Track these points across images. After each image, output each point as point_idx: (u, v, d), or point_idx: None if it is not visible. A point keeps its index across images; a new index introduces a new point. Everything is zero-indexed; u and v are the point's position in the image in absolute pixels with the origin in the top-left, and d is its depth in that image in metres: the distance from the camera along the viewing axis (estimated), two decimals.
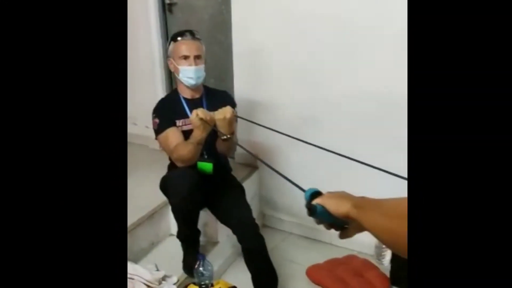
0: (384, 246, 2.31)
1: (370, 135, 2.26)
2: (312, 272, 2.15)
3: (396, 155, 2.18)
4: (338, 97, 2.30)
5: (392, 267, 2.16)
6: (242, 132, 2.29)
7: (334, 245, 2.52)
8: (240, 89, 2.60)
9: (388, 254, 2.34)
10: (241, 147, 1.44)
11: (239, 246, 2.25)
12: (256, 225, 1.93)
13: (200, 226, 2.04)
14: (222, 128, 1.76)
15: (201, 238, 2.11)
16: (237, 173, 2.32)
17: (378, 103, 2.19)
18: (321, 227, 2.79)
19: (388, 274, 2.14)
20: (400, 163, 2.37)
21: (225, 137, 1.82)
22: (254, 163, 2.69)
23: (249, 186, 2.30)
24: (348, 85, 2.25)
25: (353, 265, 2.19)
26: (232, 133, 1.84)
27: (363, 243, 2.39)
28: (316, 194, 0.91)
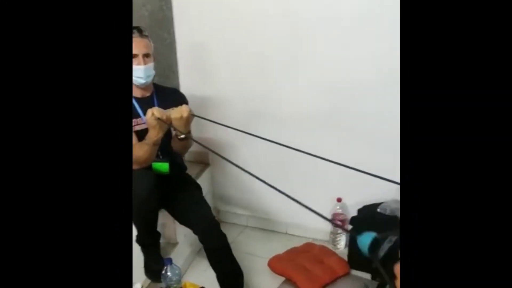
0: (339, 231, 2.39)
1: (321, 126, 2.32)
2: (274, 264, 2.18)
3: (347, 146, 2.26)
4: (287, 90, 2.33)
5: (349, 251, 2.24)
6: (192, 128, 2.26)
7: (290, 234, 2.57)
8: (186, 85, 2.55)
9: (342, 240, 2.42)
10: (213, 152, 1.41)
11: (197, 245, 2.22)
12: (217, 223, 1.91)
13: (157, 228, 1.99)
14: (179, 127, 1.72)
15: (160, 240, 2.06)
16: (189, 170, 2.28)
17: (329, 95, 2.24)
18: (276, 218, 2.82)
19: (345, 258, 2.22)
20: (351, 154, 2.46)
21: (182, 136, 1.78)
22: (205, 159, 2.66)
23: (202, 183, 2.27)
24: (298, 77, 2.28)
25: (312, 252, 2.24)
26: (189, 131, 1.80)
27: (318, 230, 2.46)
28: (374, 242, 0.78)
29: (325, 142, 2.29)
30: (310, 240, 2.43)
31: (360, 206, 2.25)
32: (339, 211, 2.36)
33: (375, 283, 2.04)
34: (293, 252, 2.26)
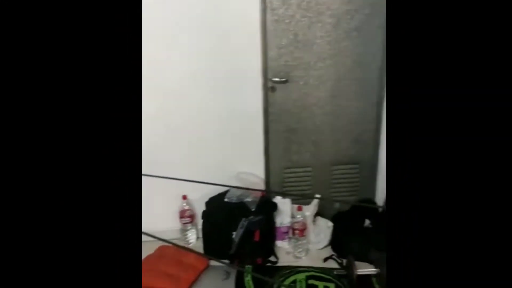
0: (188, 227, 2.42)
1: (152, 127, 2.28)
2: None
3: (179, 145, 2.28)
4: None
5: (204, 242, 2.31)
6: None
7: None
8: None
9: (193, 233, 2.47)
10: None
11: None
12: None
13: None
14: None
15: None
16: None
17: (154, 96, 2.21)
18: None
19: (201, 251, 2.27)
20: (186, 152, 2.45)
21: None
22: None
23: None
24: None
25: (169, 256, 2.22)
26: None
27: (167, 230, 2.44)
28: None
29: (161, 142, 2.29)
30: (161, 243, 2.41)
31: (206, 199, 2.32)
32: (186, 207, 2.40)
33: (235, 268, 2.15)
34: (149, 261, 2.21)
